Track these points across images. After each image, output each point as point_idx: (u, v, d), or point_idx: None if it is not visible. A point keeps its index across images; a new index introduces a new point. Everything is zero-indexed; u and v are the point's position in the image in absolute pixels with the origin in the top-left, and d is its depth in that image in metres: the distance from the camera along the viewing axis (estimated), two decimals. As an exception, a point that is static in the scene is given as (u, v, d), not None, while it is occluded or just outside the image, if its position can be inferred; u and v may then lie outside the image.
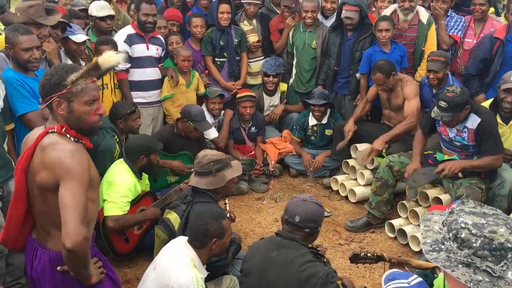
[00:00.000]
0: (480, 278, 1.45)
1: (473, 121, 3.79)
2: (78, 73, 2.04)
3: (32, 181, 2.12)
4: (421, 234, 1.62)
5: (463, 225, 1.49)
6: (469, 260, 1.46)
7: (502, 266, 1.45)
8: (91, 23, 4.94)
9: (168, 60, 5.14)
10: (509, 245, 1.44)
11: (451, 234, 1.51)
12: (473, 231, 1.46)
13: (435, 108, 3.81)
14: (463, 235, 1.48)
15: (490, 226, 1.46)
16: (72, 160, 2.00)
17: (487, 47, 4.72)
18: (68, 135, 2.07)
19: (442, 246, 1.54)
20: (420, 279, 2.27)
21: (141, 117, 4.80)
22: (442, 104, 3.74)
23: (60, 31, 4.10)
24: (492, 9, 5.55)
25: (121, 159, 3.79)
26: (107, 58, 2.04)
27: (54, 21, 3.75)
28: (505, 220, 1.49)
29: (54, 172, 2.00)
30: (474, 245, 1.45)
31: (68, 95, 2.05)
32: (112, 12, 4.84)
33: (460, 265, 1.47)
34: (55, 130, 2.07)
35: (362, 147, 4.87)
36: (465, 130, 3.84)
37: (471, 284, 1.45)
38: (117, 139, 3.92)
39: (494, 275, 1.44)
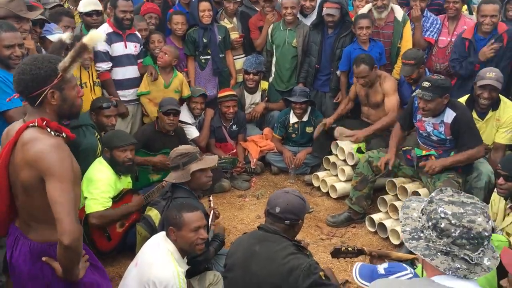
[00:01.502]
0: (458, 266, 1.48)
1: (449, 115, 3.88)
2: (68, 59, 2.04)
3: (14, 176, 2.10)
4: (401, 222, 1.65)
5: (442, 215, 1.51)
6: (448, 248, 1.49)
7: (479, 253, 1.48)
8: (79, 19, 4.94)
9: (148, 58, 5.11)
10: (486, 233, 1.48)
11: (430, 223, 1.53)
12: (453, 221, 1.49)
13: (418, 90, 3.88)
14: (442, 225, 1.50)
15: (468, 215, 1.49)
16: (55, 156, 1.98)
17: (460, 47, 4.83)
18: (48, 129, 2.04)
19: (421, 234, 1.56)
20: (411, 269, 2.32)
21: (125, 116, 4.82)
22: (426, 84, 3.81)
23: (39, 28, 4.06)
24: (465, 7, 5.68)
25: (101, 157, 3.78)
26: (92, 37, 2.06)
27: (35, 15, 3.71)
28: (483, 209, 1.52)
29: (37, 168, 1.99)
30: (454, 234, 1.48)
31: (60, 83, 2.05)
32: (98, 7, 4.80)
33: (439, 254, 1.51)
34: (36, 124, 2.04)
35: (343, 143, 4.93)
36: (442, 124, 3.92)
37: (450, 272, 1.49)
38: (98, 136, 3.90)
39: (471, 262, 1.47)
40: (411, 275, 2.28)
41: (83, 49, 2.05)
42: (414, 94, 3.93)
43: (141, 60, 5.03)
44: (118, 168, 3.75)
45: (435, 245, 1.51)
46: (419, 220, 1.60)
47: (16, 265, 2.20)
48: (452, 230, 1.48)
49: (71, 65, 2.04)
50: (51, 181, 1.96)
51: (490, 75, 4.04)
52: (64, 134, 2.11)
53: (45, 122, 2.05)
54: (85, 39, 2.04)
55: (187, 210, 2.80)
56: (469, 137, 3.88)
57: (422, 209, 1.60)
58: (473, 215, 1.49)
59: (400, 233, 3.99)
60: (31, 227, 2.17)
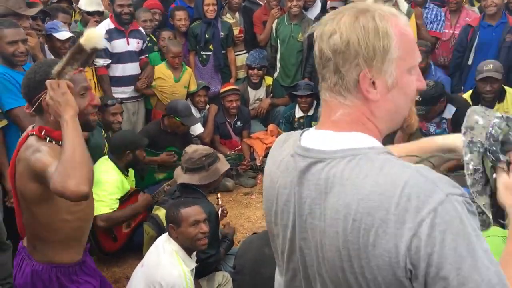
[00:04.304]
0: None
1: (450, 111, 3.86)
2: (62, 62, 1.86)
3: (18, 190, 1.97)
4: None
5: None
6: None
7: None
8: (79, 15, 4.90)
9: (156, 55, 5.06)
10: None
11: None
12: None
13: None
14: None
15: None
16: (44, 152, 1.80)
17: (461, 36, 4.85)
18: (48, 138, 1.87)
19: None
20: None
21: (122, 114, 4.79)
22: (416, 97, 3.78)
23: (41, 21, 4.00)
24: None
25: (106, 156, 3.72)
26: (90, 37, 1.83)
27: (34, 12, 3.65)
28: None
29: (32, 174, 1.82)
30: None
31: None
32: (101, 8, 4.81)
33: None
34: (34, 133, 1.89)
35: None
36: (444, 121, 3.91)
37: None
38: (105, 135, 3.87)
39: None
40: None
41: (80, 51, 1.84)
42: None
43: (146, 55, 4.97)
44: (139, 167, 3.81)
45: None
46: None
47: (18, 287, 2.08)
48: None
49: (65, 69, 1.84)
50: (47, 169, 1.74)
51: (488, 67, 4.01)
52: None
53: (44, 131, 1.88)
54: (82, 40, 1.82)
55: (184, 205, 2.76)
56: None
57: None
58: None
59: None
60: (35, 248, 2.05)
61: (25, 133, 1.98)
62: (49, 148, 1.84)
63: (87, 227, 2.13)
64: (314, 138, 1.08)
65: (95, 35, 1.85)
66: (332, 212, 0.98)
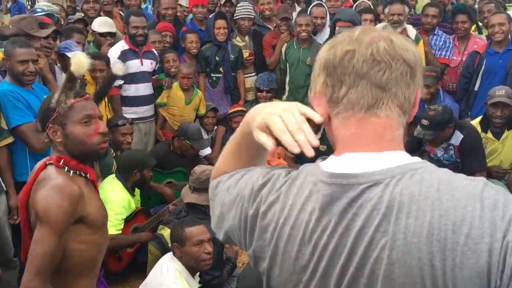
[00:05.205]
0: None
1: (457, 138, 3.84)
2: (58, 91, 1.87)
3: (32, 221, 1.92)
4: None
5: None
6: None
7: None
8: (91, 36, 5.00)
9: (162, 76, 5.13)
10: None
11: None
12: None
13: (418, 127, 3.86)
14: None
15: None
16: (54, 200, 1.78)
17: (468, 62, 4.87)
18: (66, 168, 1.87)
19: None
20: None
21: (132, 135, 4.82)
22: (424, 122, 3.79)
23: (52, 40, 4.06)
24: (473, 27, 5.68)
25: (113, 175, 3.75)
26: (77, 62, 1.84)
27: (46, 33, 3.72)
28: None
29: (38, 213, 1.81)
30: None
31: (60, 118, 1.87)
32: (113, 30, 4.88)
33: None
34: (52, 162, 1.88)
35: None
36: (451, 147, 3.88)
37: None
38: (114, 154, 3.90)
39: None
40: None
41: (71, 78, 1.85)
42: (416, 134, 3.90)
43: (157, 76, 5.05)
44: (146, 187, 3.83)
45: None
46: None
47: None
48: None
49: (60, 98, 1.85)
50: (38, 226, 1.80)
51: (500, 92, 4.00)
52: (83, 174, 1.94)
53: (62, 160, 1.88)
54: (72, 67, 1.83)
55: (189, 224, 2.77)
56: (472, 161, 3.84)
57: None
58: None
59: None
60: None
61: (42, 162, 1.95)
62: (68, 194, 1.81)
63: (101, 256, 2.09)
64: (354, 162, 0.96)
65: (82, 61, 1.85)
66: (409, 236, 0.84)
